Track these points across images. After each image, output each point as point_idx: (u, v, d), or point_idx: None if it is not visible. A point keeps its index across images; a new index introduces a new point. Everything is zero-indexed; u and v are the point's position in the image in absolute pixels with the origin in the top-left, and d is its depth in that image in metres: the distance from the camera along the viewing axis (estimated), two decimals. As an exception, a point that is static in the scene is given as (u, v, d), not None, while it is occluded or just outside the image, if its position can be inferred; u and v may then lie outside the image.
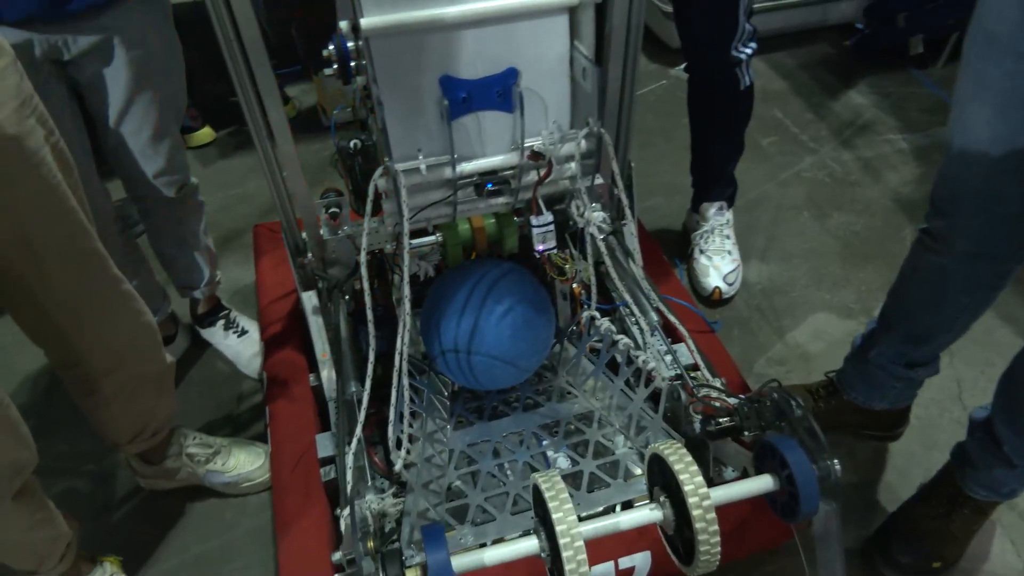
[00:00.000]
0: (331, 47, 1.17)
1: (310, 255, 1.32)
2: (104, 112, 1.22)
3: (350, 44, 1.01)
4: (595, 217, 1.15)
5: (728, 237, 1.77)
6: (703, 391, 1.00)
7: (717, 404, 1.00)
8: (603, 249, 1.17)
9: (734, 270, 1.75)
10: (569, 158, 1.11)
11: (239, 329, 1.63)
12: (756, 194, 2.03)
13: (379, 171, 1.01)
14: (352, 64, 1.03)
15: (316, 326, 1.39)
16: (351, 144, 1.21)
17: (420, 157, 1.04)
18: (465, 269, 1.26)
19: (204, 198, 1.50)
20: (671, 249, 1.85)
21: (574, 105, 1.08)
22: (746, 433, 0.96)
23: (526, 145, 1.07)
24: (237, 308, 1.74)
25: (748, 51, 1.54)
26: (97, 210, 1.28)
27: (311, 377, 1.41)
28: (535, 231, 1.17)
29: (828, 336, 1.65)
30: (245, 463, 1.37)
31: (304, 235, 1.30)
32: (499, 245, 1.30)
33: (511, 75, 1.02)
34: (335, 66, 1.08)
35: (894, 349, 1.31)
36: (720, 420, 0.97)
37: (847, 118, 2.31)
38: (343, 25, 0.93)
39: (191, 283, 1.56)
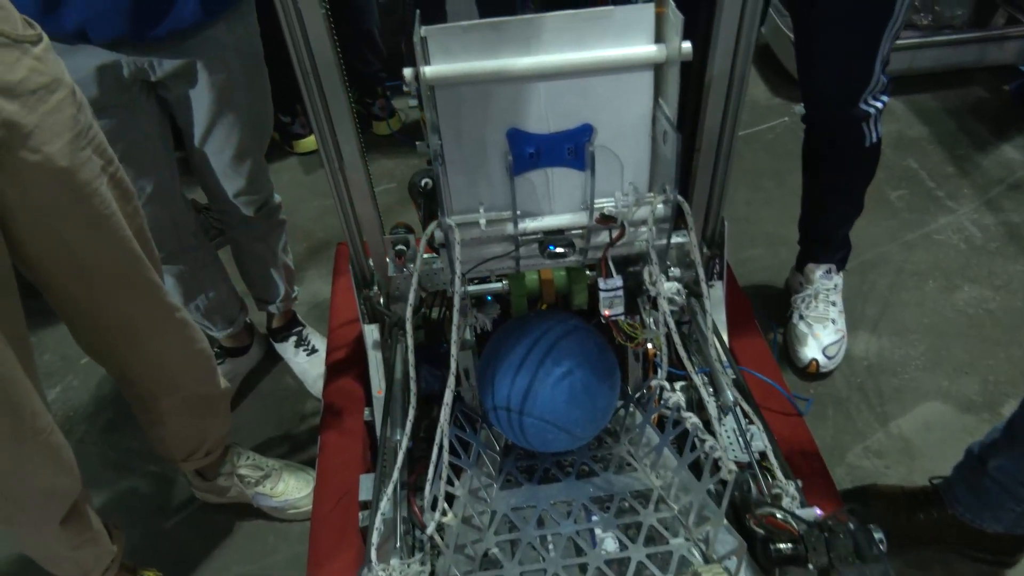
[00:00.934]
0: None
1: (375, 288, 1.29)
2: (190, 131, 1.24)
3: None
4: (668, 288, 1.04)
5: (834, 304, 1.60)
6: (763, 509, 0.88)
7: (780, 517, 0.88)
8: (672, 326, 1.06)
9: (836, 342, 1.57)
10: (644, 222, 1.01)
11: (310, 347, 1.64)
12: (874, 255, 1.83)
13: (433, 225, 0.96)
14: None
15: (375, 361, 1.36)
16: (422, 183, 1.16)
17: (481, 211, 0.98)
18: (527, 322, 1.19)
19: (301, 205, 1.51)
20: (769, 308, 1.70)
21: (653, 166, 0.98)
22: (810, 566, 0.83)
23: (597, 206, 0.98)
24: (314, 323, 1.75)
25: (879, 104, 1.38)
26: (177, 223, 1.31)
27: (366, 412, 1.39)
28: (603, 295, 1.08)
29: (940, 430, 1.45)
30: (293, 489, 1.37)
31: (371, 264, 1.27)
32: (568, 299, 1.22)
33: (585, 132, 0.93)
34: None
35: (1020, 465, 1.12)
36: (781, 546, 0.85)
37: (996, 175, 2.05)
38: (407, 73, 0.88)
39: (267, 297, 1.57)
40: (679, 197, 0.94)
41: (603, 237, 1.04)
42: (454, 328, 0.99)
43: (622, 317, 1.11)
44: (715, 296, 1.33)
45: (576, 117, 0.92)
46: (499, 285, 1.18)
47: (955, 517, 1.22)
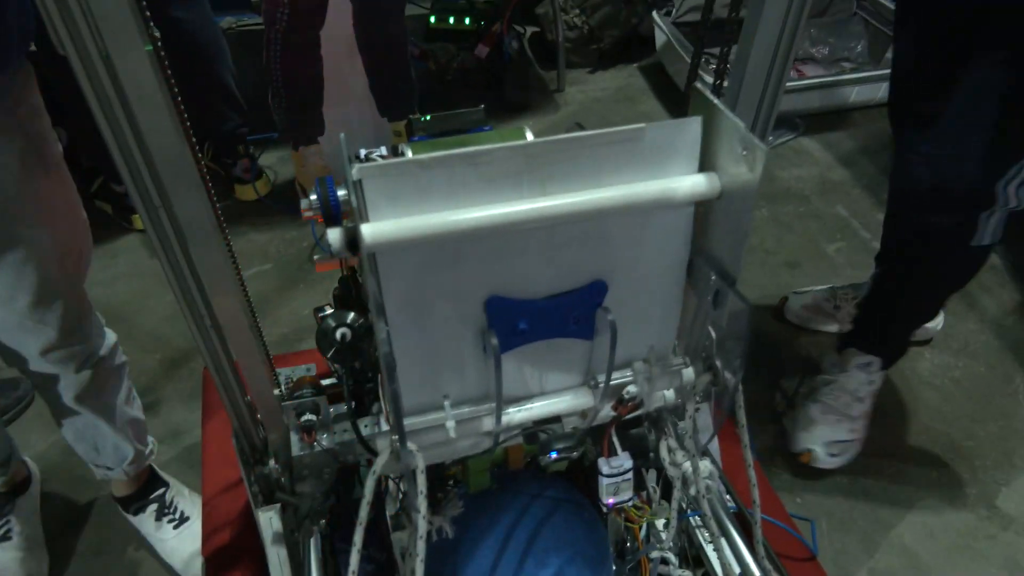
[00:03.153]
0: (311, 198, 0.80)
1: (272, 463, 0.94)
2: None
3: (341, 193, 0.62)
4: (701, 470, 0.77)
5: (861, 401, 1.36)
6: None
7: None
8: (707, 510, 0.80)
9: (847, 442, 1.35)
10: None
11: (177, 515, 1.23)
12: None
13: (379, 462, 0.63)
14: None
15: (277, 560, 0.99)
16: (337, 334, 0.83)
17: (447, 407, 0.66)
18: (496, 502, 0.89)
19: (149, 301, 1.10)
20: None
21: (684, 323, 0.71)
22: None
23: (613, 383, 0.69)
24: (178, 468, 1.34)
25: (1018, 197, 1.05)
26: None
27: (271, 626, 1.02)
28: (605, 481, 0.80)
29: (943, 536, 1.29)
30: None
31: (263, 433, 0.91)
32: (541, 465, 0.93)
33: (596, 292, 0.64)
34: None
35: None
36: None
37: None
38: (330, 236, 0.55)
39: (105, 464, 1.15)
40: (728, 375, 0.66)
41: (605, 410, 0.75)
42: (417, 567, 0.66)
43: (629, 503, 0.84)
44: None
45: (583, 273, 0.63)
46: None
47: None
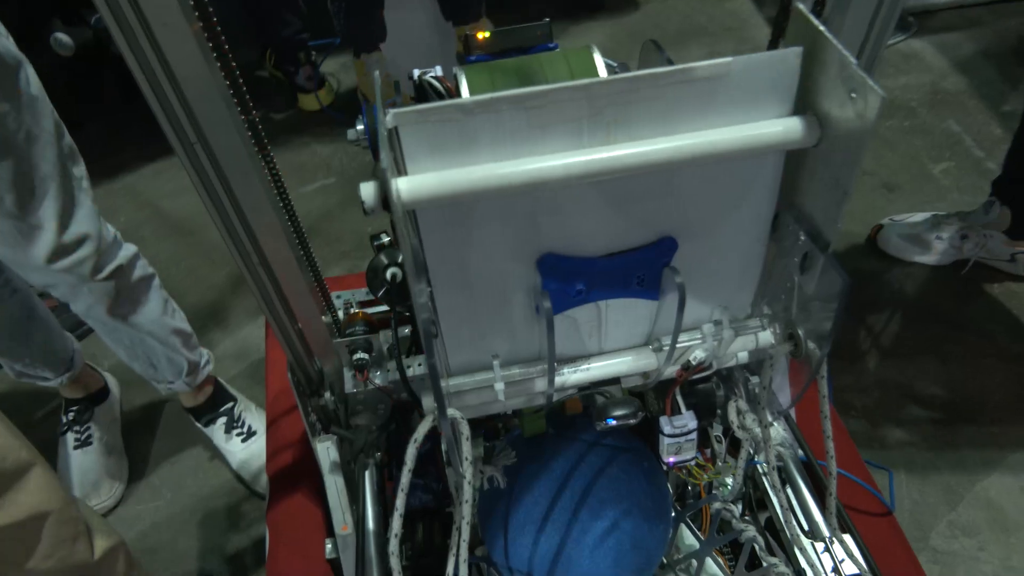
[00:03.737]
0: (358, 128, 0.76)
1: (328, 394, 0.93)
2: None
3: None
4: (773, 439, 0.71)
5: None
6: None
7: None
8: (773, 491, 0.74)
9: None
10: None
11: (244, 429, 1.26)
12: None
13: (423, 427, 0.59)
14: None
15: (335, 489, 1.00)
16: (388, 273, 0.78)
17: (496, 368, 0.61)
18: (551, 448, 0.85)
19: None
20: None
21: (763, 280, 0.63)
22: None
23: (679, 346, 0.62)
24: (248, 385, 1.37)
25: None
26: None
27: (328, 546, 1.05)
28: (666, 441, 0.75)
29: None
30: None
31: (319, 365, 0.90)
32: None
33: (665, 249, 0.57)
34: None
35: None
36: None
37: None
38: (363, 190, 0.49)
39: (159, 379, 1.18)
40: (815, 347, 0.59)
41: (669, 371, 0.69)
42: (461, 540, 0.64)
43: (692, 461, 0.79)
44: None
45: (650, 229, 0.56)
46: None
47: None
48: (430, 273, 0.54)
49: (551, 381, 0.62)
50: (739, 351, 0.65)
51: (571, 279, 0.56)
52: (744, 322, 0.64)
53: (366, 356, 0.85)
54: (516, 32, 0.74)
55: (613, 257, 0.56)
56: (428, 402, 0.63)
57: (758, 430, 0.70)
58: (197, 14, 0.47)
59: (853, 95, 0.45)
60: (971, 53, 1.96)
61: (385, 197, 0.48)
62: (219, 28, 0.49)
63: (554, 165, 0.48)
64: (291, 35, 1.83)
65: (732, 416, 0.74)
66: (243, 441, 1.27)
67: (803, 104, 0.50)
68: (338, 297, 1.13)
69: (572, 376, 0.64)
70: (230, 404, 1.28)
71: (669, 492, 0.89)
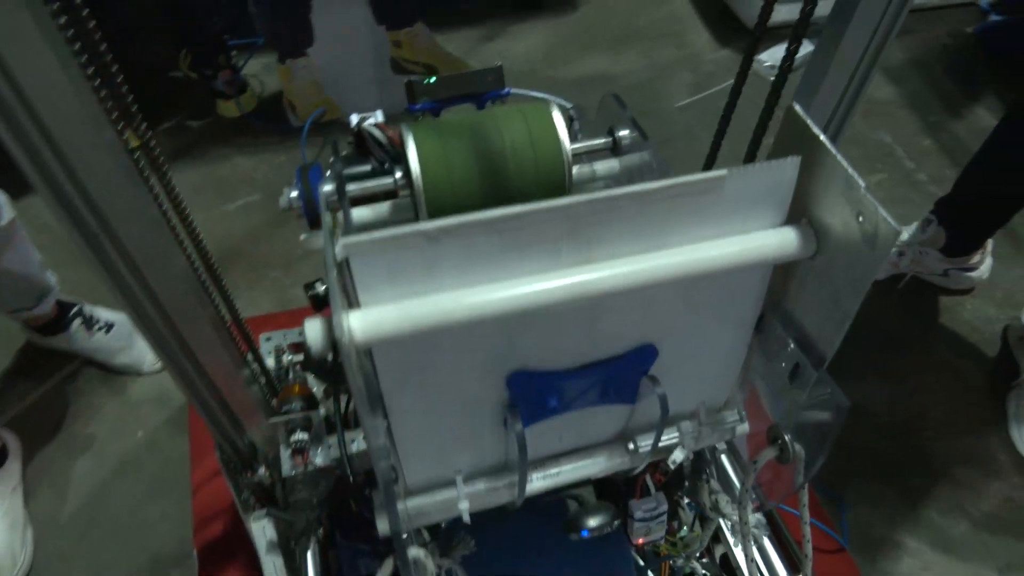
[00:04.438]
0: (292, 195, 0.67)
1: (262, 469, 0.85)
2: None
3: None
4: (751, 522, 0.68)
5: None
6: None
7: None
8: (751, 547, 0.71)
9: None
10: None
11: (103, 323, 1.25)
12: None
13: (384, 572, 0.53)
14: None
15: (273, 569, 0.92)
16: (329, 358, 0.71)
17: (459, 483, 0.56)
18: (513, 533, 0.81)
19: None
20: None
21: (743, 376, 0.59)
22: None
23: (661, 445, 0.58)
24: (172, 430, 1.27)
25: None
26: None
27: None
28: (636, 525, 0.71)
29: None
30: None
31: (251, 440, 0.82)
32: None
33: (644, 358, 0.52)
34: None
35: None
36: None
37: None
38: (308, 329, 0.41)
39: (20, 305, 1.16)
40: (798, 447, 0.55)
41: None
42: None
43: (661, 540, 0.75)
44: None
45: (628, 338, 0.51)
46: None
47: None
48: (386, 404, 0.47)
49: (521, 493, 0.57)
50: (716, 441, 0.62)
51: (543, 395, 0.51)
52: (721, 414, 0.60)
53: (305, 436, 0.78)
54: (465, 78, 0.68)
55: (588, 368, 0.51)
56: (384, 526, 0.57)
57: (735, 516, 0.67)
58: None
59: (860, 219, 0.41)
60: (899, 62, 2.00)
61: (331, 336, 0.41)
62: (95, 18, 0.36)
63: (532, 291, 0.42)
64: (211, 35, 1.69)
65: (704, 499, 0.70)
66: (106, 334, 1.25)
67: (797, 209, 0.46)
68: (268, 339, 1.04)
69: (541, 483, 0.59)
70: (76, 307, 1.25)
71: (633, 567, 0.85)
